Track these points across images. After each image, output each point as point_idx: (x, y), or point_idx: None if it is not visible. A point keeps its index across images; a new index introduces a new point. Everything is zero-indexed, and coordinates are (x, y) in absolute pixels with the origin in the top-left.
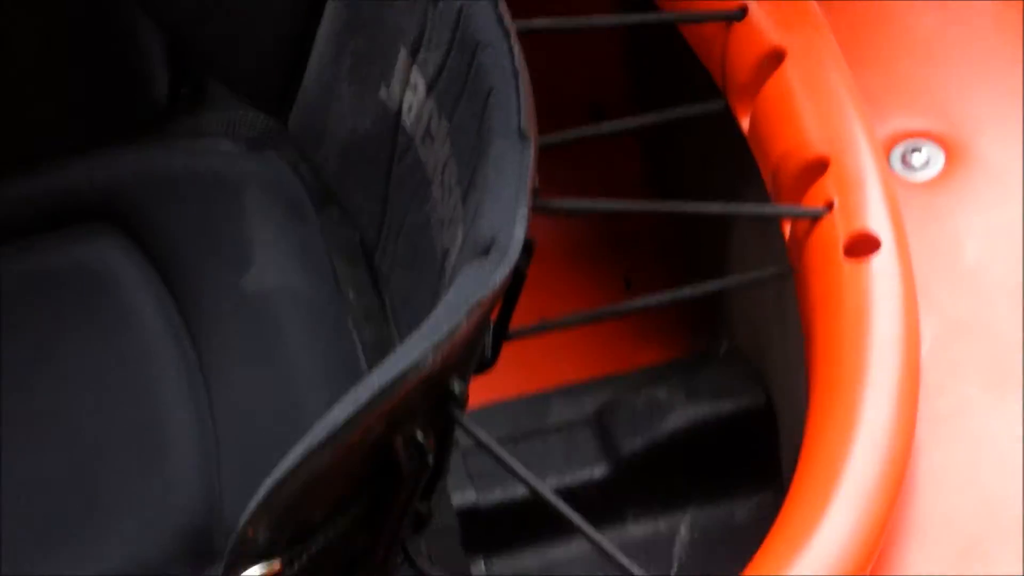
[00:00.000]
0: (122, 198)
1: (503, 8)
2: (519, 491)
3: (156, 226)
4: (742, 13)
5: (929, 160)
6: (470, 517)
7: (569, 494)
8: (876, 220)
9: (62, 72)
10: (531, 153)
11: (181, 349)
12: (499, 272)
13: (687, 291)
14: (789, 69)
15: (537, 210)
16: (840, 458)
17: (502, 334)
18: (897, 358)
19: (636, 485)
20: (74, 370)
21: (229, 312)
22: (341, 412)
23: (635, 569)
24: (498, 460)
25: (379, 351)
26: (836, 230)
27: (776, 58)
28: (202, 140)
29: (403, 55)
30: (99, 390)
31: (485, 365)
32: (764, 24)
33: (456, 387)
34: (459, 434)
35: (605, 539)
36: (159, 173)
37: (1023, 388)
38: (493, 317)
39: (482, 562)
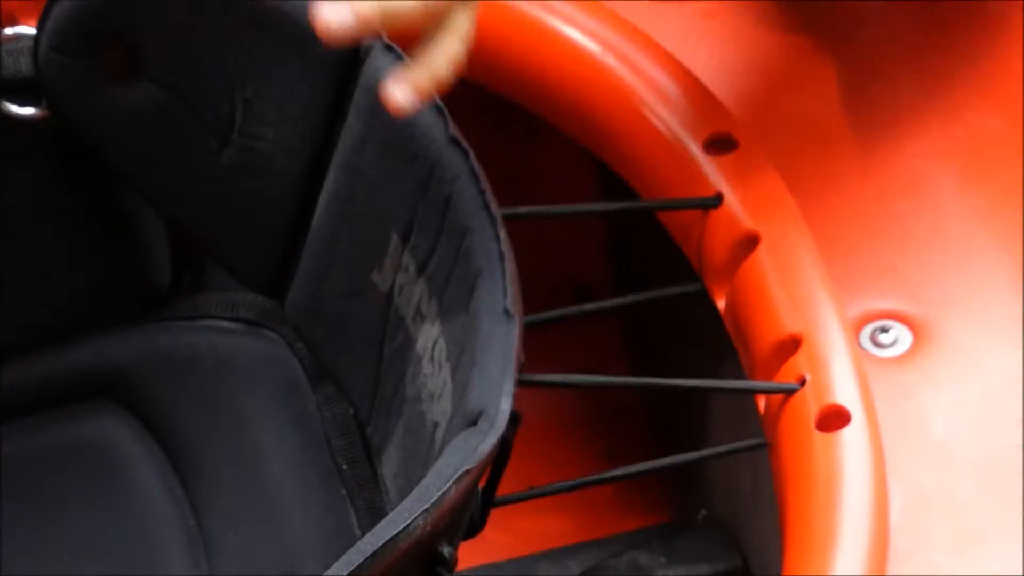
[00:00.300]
0: (125, 377)
1: (490, 196)
2: None
3: (157, 402)
4: (718, 201)
5: (897, 339)
6: None
7: None
8: (846, 395)
9: (65, 262)
10: (516, 331)
11: (183, 519)
12: (487, 442)
13: (666, 461)
14: (763, 253)
15: (523, 384)
16: None
17: (490, 500)
18: (866, 525)
19: None
20: (77, 541)
21: (228, 483)
22: None
23: None
24: None
25: (372, 517)
26: (808, 404)
27: (750, 243)
28: (202, 320)
29: (395, 240)
30: (102, 560)
31: (474, 530)
32: (739, 211)
33: (445, 552)
34: None
35: None
36: (161, 353)
37: (990, 554)
38: (482, 485)
39: None
